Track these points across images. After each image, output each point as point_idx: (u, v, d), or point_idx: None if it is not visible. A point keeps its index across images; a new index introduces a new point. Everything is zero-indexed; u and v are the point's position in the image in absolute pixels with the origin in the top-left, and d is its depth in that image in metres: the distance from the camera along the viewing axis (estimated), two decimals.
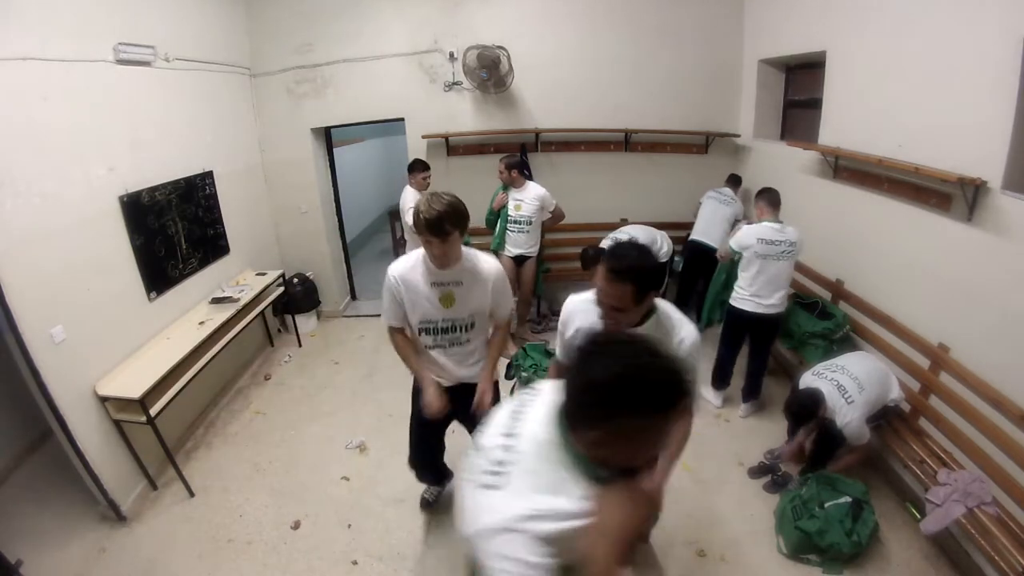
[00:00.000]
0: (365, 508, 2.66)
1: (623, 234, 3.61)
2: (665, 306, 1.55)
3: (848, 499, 2.27)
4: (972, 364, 2.31)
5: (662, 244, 3.71)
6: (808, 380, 2.51)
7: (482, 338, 2.03)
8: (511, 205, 3.76)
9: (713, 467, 2.87)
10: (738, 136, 4.43)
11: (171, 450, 2.79)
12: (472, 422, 2.28)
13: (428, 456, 2.35)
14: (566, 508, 0.87)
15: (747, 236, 2.94)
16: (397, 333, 2.00)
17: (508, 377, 3.73)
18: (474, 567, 0.94)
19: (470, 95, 4.28)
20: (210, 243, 3.59)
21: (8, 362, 2.28)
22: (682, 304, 4.27)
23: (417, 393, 2.13)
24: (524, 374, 3.34)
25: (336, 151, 4.91)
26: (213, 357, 3.03)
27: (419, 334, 1.95)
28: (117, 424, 2.57)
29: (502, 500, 0.88)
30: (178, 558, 2.40)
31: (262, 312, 3.78)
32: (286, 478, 2.88)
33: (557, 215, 3.89)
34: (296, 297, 4.41)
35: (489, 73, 3.96)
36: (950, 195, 2.39)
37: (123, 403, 2.51)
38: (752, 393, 3.27)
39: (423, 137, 4.34)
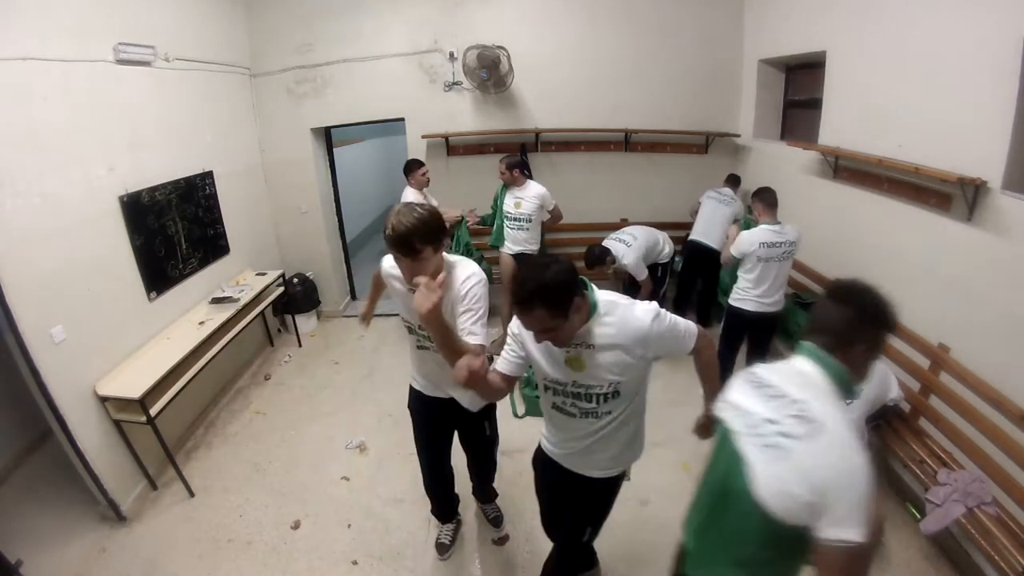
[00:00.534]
0: (365, 508, 2.66)
1: (625, 235, 3.60)
2: (609, 298, 1.41)
3: None
4: (972, 364, 2.31)
5: (663, 245, 3.71)
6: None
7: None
8: (511, 203, 3.76)
9: None
10: (738, 136, 4.43)
11: (171, 450, 2.79)
12: (472, 445, 2.21)
13: (438, 476, 2.26)
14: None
15: (748, 242, 2.93)
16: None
17: None
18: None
19: (470, 95, 4.28)
20: (210, 243, 3.59)
21: (8, 362, 2.28)
22: (682, 304, 4.28)
23: (414, 410, 2.10)
24: (524, 374, 3.33)
25: (336, 151, 4.91)
26: (213, 357, 3.03)
27: (407, 332, 1.90)
28: (117, 424, 2.57)
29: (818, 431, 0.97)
30: (178, 558, 2.40)
31: (262, 312, 3.78)
32: (286, 478, 2.88)
33: (556, 215, 3.90)
34: (296, 297, 4.41)
35: (489, 73, 3.96)
36: (950, 195, 2.39)
37: (123, 403, 2.51)
38: None
39: (423, 137, 4.34)
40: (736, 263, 3.03)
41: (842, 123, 3.19)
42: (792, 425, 1.00)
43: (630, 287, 3.83)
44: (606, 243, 3.60)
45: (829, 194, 3.32)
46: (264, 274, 3.95)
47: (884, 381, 2.53)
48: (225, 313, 3.27)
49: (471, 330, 1.58)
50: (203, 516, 2.63)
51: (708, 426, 1.66)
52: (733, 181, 4.12)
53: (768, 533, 1.01)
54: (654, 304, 1.43)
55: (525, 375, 3.32)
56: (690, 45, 4.26)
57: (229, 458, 3.06)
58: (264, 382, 3.86)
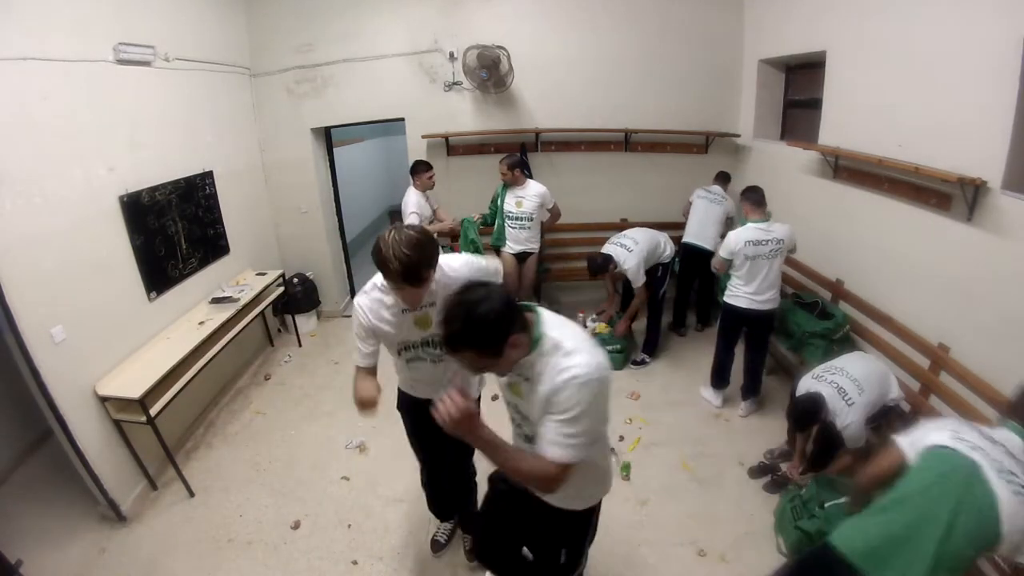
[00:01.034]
0: (365, 508, 2.66)
1: (626, 240, 3.58)
2: (555, 335, 1.25)
3: (848, 499, 2.27)
4: (972, 364, 2.31)
5: (664, 247, 3.71)
6: (808, 384, 2.48)
7: None
8: (512, 202, 3.76)
9: (713, 467, 2.87)
10: (738, 136, 4.43)
11: (171, 450, 2.79)
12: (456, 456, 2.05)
13: (435, 473, 2.20)
14: None
15: (735, 241, 2.96)
16: (362, 373, 1.76)
17: None
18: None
19: (470, 95, 4.28)
20: (210, 243, 3.59)
21: (8, 362, 2.28)
22: (681, 305, 4.28)
23: (405, 411, 2.07)
24: None
25: (336, 151, 4.91)
26: (213, 357, 3.03)
27: (397, 355, 1.85)
28: (117, 424, 2.58)
29: None
30: (178, 558, 2.40)
31: (262, 312, 3.78)
32: (286, 478, 2.88)
33: (555, 213, 3.91)
34: (296, 297, 4.41)
35: (489, 73, 3.96)
36: (950, 195, 2.39)
37: (123, 403, 2.51)
38: (752, 391, 3.29)
39: (423, 137, 4.34)
40: (726, 263, 3.04)
41: (842, 123, 3.19)
42: None
43: (629, 289, 3.83)
44: (607, 248, 3.58)
45: (829, 194, 3.32)
46: (264, 274, 3.95)
47: (885, 382, 2.53)
48: (225, 313, 3.27)
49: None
50: (203, 516, 2.64)
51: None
52: (723, 179, 4.12)
53: (972, 554, 1.32)
54: (590, 367, 1.19)
55: None
56: (690, 45, 4.26)
57: (229, 458, 3.06)
58: (264, 382, 3.86)
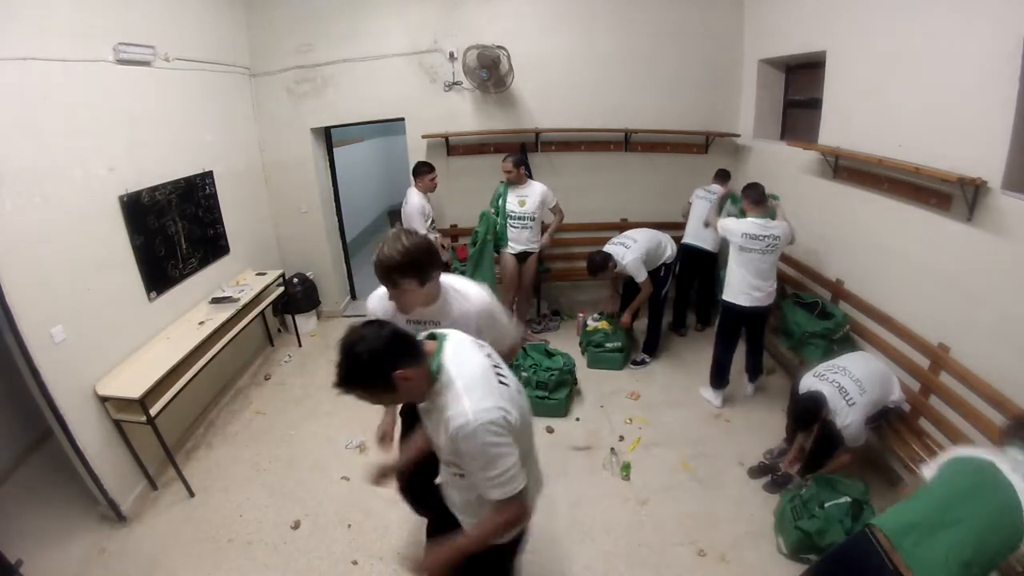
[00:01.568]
0: (365, 508, 2.66)
1: (626, 239, 3.59)
2: (452, 372, 1.23)
3: (848, 499, 2.27)
4: (972, 364, 2.31)
5: (666, 247, 3.71)
6: (809, 382, 2.50)
7: None
8: (515, 201, 3.77)
9: (713, 467, 2.87)
10: (738, 136, 4.43)
11: (171, 450, 2.79)
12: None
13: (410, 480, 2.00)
14: None
15: (732, 229, 3.05)
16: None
17: None
18: None
19: (470, 95, 4.28)
20: (210, 243, 3.59)
21: (8, 362, 2.28)
22: (681, 306, 4.28)
23: (403, 413, 1.99)
24: (524, 374, 3.34)
25: (336, 151, 4.91)
26: (213, 357, 3.03)
27: None
28: (117, 424, 2.57)
29: None
30: (178, 558, 2.40)
31: (262, 312, 3.78)
32: (286, 478, 2.88)
33: (558, 212, 3.89)
34: (296, 297, 4.41)
35: (489, 73, 3.96)
36: (950, 195, 2.39)
37: (123, 403, 2.51)
38: (756, 371, 3.43)
39: (423, 137, 4.34)
40: (712, 229, 3.14)
41: (842, 123, 3.19)
42: None
43: (629, 289, 3.84)
44: (607, 248, 3.59)
45: (829, 194, 3.32)
46: (264, 274, 3.94)
47: (887, 382, 2.53)
48: (225, 313, 3.27)
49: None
50: (203, 516, 2.64)
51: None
52: (722, 177, 4.11)
53: (1003, 553, 1.45)
54: (472, 414, 1.16)
55: (524, 374, 3.33)
56: (690, 45, 4.26)
57: (229, 458, 3.06)
58: (264, 382, 3.86)
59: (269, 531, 2.53)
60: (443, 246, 4.17)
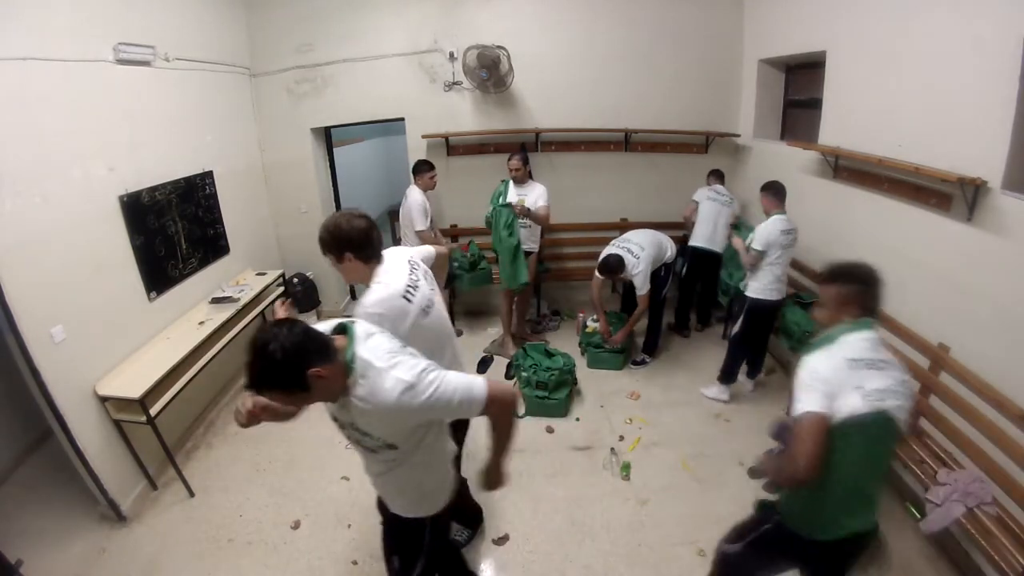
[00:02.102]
0: (365, 508, 2.65)
1: (632, 245, 3.55)
2: (367, 356, 1.23)
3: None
4: (972, 364, 2.31)
5: (667, 248, 3.70)
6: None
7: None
8: (516, 201, 3.76)
9: (713, 467, 2.88)
10: (738, 136, 4.43)
11: (171, 450, 2.79)
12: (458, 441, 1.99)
13: None
14: None
15: (771, 232, 3.03)
16: None
17: (508, 377, 3.73)
18: None
19: (470, 95, 4.28)
20: (210, 243, 3.59)
21: (8, 362, 2.28)
22: (684, 307, 4.27)
23: None
24: (524, 374, 3.34)
25: (336, 151, 4.91)
26: (213, 357, 3.03)
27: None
28: (117, 424, 2.58)
29: None
30: (178, 558, 2.40)
31: (262, 312, 3.78)
32: (286, 478, 2.88)
33: (544, 212, 3.73)
34: (296, 297, 4.40)
35: (489, 73, 3.96)
36: (950, 195, 2.39)
37: (123, 403, 2.51)
38: (760, 367, 3.53)
39: (423, 137, 4.34)
40: (760, 256, 3.07)
41: (842, 123, 3.19)
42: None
43: (628, 293, 3.83)
44: (615, 251, 3.57)
45: (829, 194, 3.32)
46: (264, 274, 3.94)
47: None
48: (225, 313, 3.27)
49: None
50: (203, 516, 2.64)
51: (494, 479, 1.56)
52: (718, 176, 4.11)
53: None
54: (413, 371, 1.21)
55: (524, 374, 3.33)
56: (690, 45, 4.26)
57: (229, 458, 3.06)
58: None
59: (269, 531, 2.54)
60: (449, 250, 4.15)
